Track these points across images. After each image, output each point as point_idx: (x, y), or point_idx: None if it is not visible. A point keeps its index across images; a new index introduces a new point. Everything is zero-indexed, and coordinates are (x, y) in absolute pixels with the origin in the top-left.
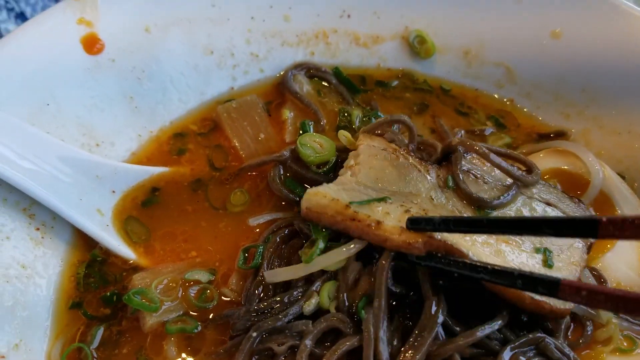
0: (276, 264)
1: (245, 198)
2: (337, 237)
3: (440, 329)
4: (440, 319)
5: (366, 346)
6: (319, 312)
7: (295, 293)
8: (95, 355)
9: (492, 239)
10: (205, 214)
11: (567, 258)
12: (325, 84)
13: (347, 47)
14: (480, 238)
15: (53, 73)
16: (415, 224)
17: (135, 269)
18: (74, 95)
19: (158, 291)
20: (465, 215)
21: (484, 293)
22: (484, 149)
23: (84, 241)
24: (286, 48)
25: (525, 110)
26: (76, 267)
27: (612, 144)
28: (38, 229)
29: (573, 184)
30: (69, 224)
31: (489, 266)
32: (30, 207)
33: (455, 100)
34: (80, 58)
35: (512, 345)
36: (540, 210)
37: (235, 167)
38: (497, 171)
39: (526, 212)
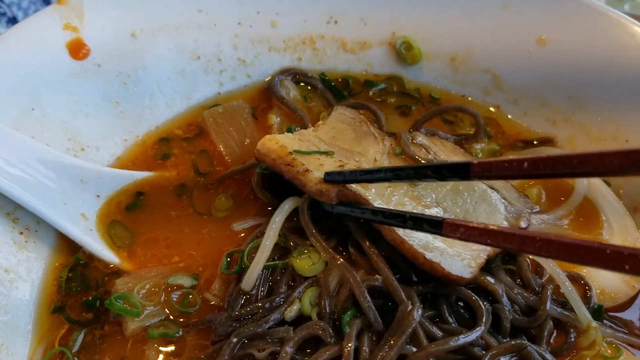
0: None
1: (229, 203)
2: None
3: (422, 336)
4: (413, 323)
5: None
6: (301, 319)
7: (277, 299)
8: None
9: (406, 197)
10: (189, 220)
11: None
12: (312, 90)
13: (334, 53)
14: (394, 197)
15: (39, 78)
16: (329, 176)
17: (118, 273)
18: (60, 100)
19: (140, 296)
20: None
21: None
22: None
23: (67, 245)
24: (273, 53)
25: (511, 117)
26: (59, 271)
27: (598, 150)
28: (22, 233)
29: (557, 191)
30: (53, 228)
31: (385, 210)
32: (14, 211)
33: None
34: (66, 63)
35: (494, 352)
36: (479, 191)
37: (220, 172)
38: (455, 156)
39: (463, 190)
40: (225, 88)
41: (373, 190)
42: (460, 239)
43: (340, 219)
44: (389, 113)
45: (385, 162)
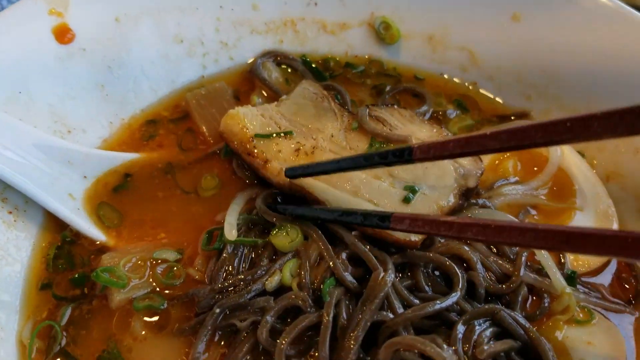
0: (242, 249)
1: (215, 182)
2: None
3: (398, 303)
4: (386, 288)
5: (324, 328)
6: (282, 290)
7: (258, 272)
8: (65, 334)
9: (363, 175)
10: (176, 199)
11: (432, 198)
12: (293, 72)
13: (315, 35)
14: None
15: (25, 62)
16: (289, 171)
17: (104, 251)
18: (46, 83)
19: (126, 269)
20: (354, 152)
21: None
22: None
23: (55, 224)
24: (255, 36)
25: (487, 94)
26: (47, 250)
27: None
28: (10, 212)
29: (532, 162)
30: (41, 207)
31: (338, 210)
32: (3, 191)
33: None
34: (52, 48)
35: (468, 317)
36: None
37: (202, 151)
38: (412, 125)
39: None
40: (209, 71)
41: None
42: (406, 230)
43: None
44: (364, 93)
45: (341, 137)
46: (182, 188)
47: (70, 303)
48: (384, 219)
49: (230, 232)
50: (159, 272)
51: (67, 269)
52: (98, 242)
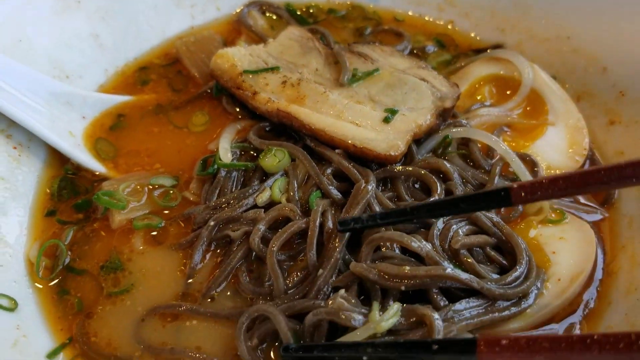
0: (234, 172)
1: (205, 118)
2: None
3: (377, 208)
4: (367, 195)
5: (311, 232)
6: (272, 206)
7: (250, 190)
8: (69, 252)
9: (341, 97)
10: (169, 134)
11: (410, 118)
12: (278, 19)
13: None
14: (330, 99)
15: (24, 13)
16: (342, 226)
17: (104, 180)
18: (44, 33)
19: (125, 194)
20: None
21: None
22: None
23: (57, 160)
24: None
25: (464, 31)
26: (50, 182)
27: (543, 50)
28: (15, 148)
29: (506, 86)
30: (44, 144)
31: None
32: (8, 128)
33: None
34: (49, 1)
35: (445, 218)
36: (410, 83)
37: (193, 92)
38: (393, 58)
39: (396, 84)
40: (197, 21)
41: (307, 100)
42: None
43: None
44: (347, 35)
45: (325, 71)
46: (174, 124)
47: (74, 225)
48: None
49: (226, 155)
50: (156, 195)
51: (70, 197)
52: (98, 173)
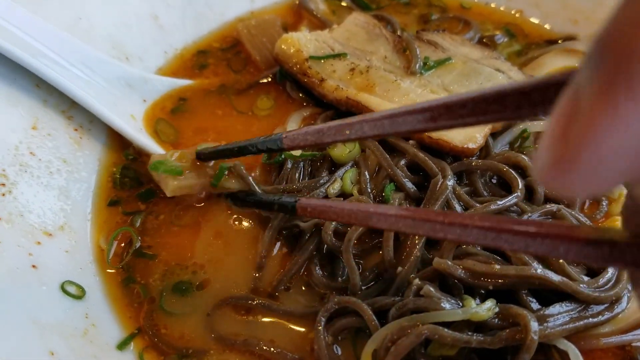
0: (301, 162)
1: (270, 103)
2: None
3: (456, 206)
4: (446, 192)
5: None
6: (343, 197)
7: (320, 181)
8: (139, 238)
9: (413, 85)
10: (233, 118)
11: None
12: (341, 4)
13: None
14: (402, 87)
15: None
16: None
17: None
18: (104, 12)
19: (173, 158)
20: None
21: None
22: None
23: (118, 143)
24: None
25: (533, 20)
26: (112, 168)
27: None
28: (76, 130)
29: None
30: (105, 126)
31: None
32: (69, 109)
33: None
34: None
35: (529, 216)
36: (484, 73)
37: (255, 75)
38: (464, 48)
39: (471, 74)
40: (257, 5)
41: (377, 88)
42: None
43: None
44: (412, 22)
45: (395, 59)
46: (238, 109)
47: (142, 213)
48: None
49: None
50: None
51: (133, 186)
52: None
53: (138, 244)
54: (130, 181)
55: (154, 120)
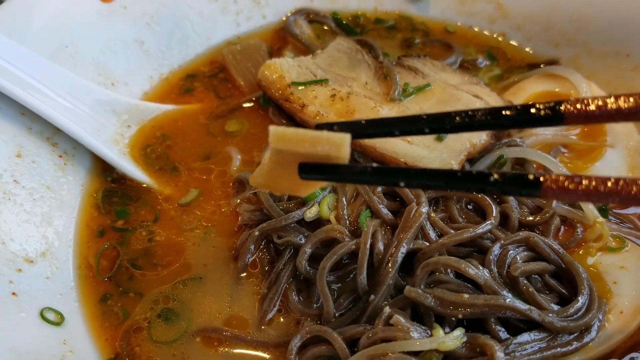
0: None
1: (239, 127)
2: None
3: (431, 232)
4: (420, 219)
5: (362, 254)
6: (319, 224)
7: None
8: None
9: (392, 112)
10: (216, 142)
11: (464, 136)
12: (325, 28)
13: None
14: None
15: (70, 18)
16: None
17: (148, 191)
18: (90, 38)
19: None
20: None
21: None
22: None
23: (102, 169)
24: None
25: (516, 44)
26: (95, 192)
27: (601, 67)
28: (60, 156)
29: None
30: (88, 153)
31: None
32: (53, 136)
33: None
34: (95, 5)
35: (502, 242)
36: (463, 100)
37: (239, 99)
38: (444, 73)
39: (448, 100)
40: (242, 29)
41: (356, 115)
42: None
43: None
44: (395, 46)
45: (375, 85)
46: (212, 132)
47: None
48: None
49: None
50: None
51: (116, 206)
52: (144, 185)
53: (123, 261)
54: (113, 203)
55: (140, 146)
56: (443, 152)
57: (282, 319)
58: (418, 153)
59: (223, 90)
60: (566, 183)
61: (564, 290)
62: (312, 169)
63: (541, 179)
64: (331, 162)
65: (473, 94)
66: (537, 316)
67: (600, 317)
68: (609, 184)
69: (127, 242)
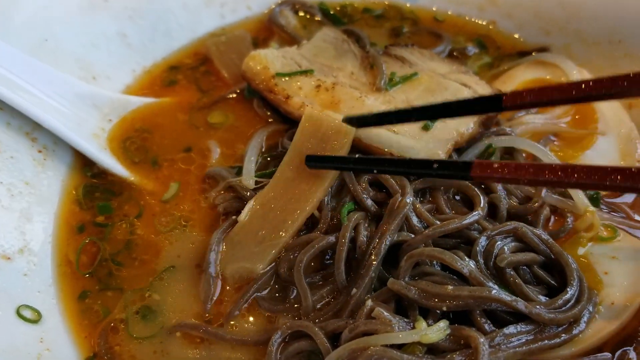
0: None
1: (224, 118)
2: None
3: (417, 224)
4: (404, 210)
5: (340, 247)
6: None
7: None
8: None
9: (378, 102)
10: (199, 135)
11: (451, 125)
12: (311, 19)
13: None
14: (366, 104)
15: (51, 12)
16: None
17: (130, 185)
18: (71, 32)
19: None
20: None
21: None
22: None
23: (82, 164)
24: None
25: (506, 32)
26: (76, 187)
27: (593, 54)
28: (40, 152)
29: None
30: (69, 147)
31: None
32: (33, 131)
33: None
34: None
35: (489, 233)
36: (451, 88)
37: (223, 91)
38: (432, 62)
39: (436, 89)
40: (227, 20)
41: (342, 105)
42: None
43: None
44: (383, 35)
45: (361, 74)
46: (196, 124)
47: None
48: (464, 167)
49: (248, 181)
50: None
51: (97, 201)
52: (128, 180)
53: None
54: (95, 199)
55: (119, 139)
56: (429, 142)
57: (252, 318)
58: (404, 143)
59: (205, 83)
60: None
61: (553, 282)
62: (317, 159)
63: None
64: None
65: (461, 83)
66: (524, 308)
67: (591, 309)
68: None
69: (108, 238)
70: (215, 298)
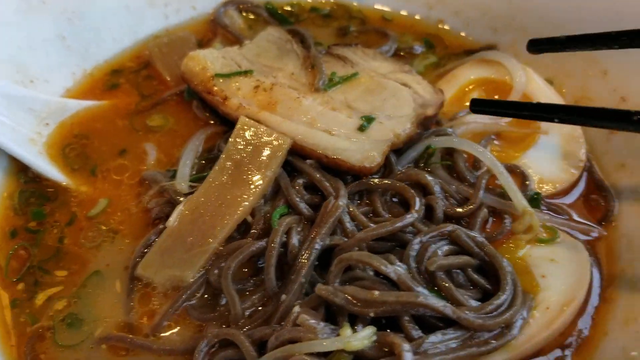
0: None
1: (164, 121)
2: None
3: (351, 227)
4: (337, 212)
5: (269, 252)
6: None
7: None
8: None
9: (315, 103)
10: (137, 139)
11: (388, 126)
12: (257, 18)
13: None
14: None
15: None
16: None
17: (66, 190)
18: (7, 35)
19: None
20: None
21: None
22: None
23: (18, 169)
24: None
25: (454, 31)
26: (11, 194)
27: None
28: None
29: (497, 91)
30: (4, 153)
31: None
32: None
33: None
34: (14, 1)
35: (423, 236)
36: (390, 89)
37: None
38: (374, 62)
39: (375, 89)
40: (172, 21)
41: (279, 107)
42: None
43: None
44: (330, 34)
45: (302, 75)
46: (136, 127)
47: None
48: None
49: (182, 185)
50: None
51: (32, 207)
52: (63, 184)
53: (34, 262)
54: (30, 204)
55: (59, 145)
56: (365, 143)
57: (180, 328)
58: (339, 145)
59: (147, 88)
60: None
61: (488, 285)
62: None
63: None
64: None
65: (402, 83)
66: (452, 313)
67: (525, 314)
68: None
69: (39, 244)
70: (136, 308)
